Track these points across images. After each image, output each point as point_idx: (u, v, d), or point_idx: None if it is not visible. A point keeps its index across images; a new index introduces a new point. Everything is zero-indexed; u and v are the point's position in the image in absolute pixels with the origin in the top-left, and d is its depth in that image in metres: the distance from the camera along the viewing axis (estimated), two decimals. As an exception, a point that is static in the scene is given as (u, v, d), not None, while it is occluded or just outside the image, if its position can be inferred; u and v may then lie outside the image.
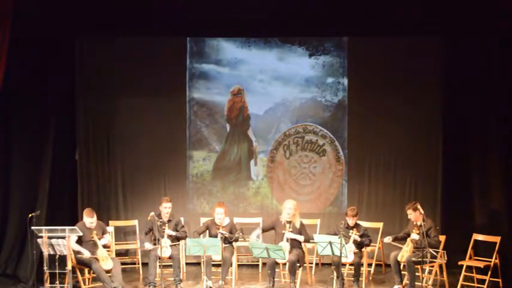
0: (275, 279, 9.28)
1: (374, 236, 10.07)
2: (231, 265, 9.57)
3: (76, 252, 9.05)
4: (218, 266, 9.46)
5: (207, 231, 9.72)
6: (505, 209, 9.98)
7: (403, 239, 9.36)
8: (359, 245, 9.38)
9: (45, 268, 8.69)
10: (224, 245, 9.23)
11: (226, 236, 9.37)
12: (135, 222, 10.67)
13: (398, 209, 10.53)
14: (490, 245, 9.47)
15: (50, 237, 8.55)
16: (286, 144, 11.08)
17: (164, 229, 9.43)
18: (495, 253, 9.33)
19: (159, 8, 10.34)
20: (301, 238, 9.32)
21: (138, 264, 10.46)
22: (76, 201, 10.81)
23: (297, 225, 9.37)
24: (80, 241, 9.07)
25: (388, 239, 9.31)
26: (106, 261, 9.04)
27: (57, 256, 8.62)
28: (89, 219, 9.19)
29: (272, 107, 11.05)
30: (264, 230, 9.54)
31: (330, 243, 8.63)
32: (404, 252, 9.14)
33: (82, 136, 10.89)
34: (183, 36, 10.96)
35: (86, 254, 9.00)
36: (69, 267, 8.71)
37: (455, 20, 10.25)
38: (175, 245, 9.54)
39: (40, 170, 9.98)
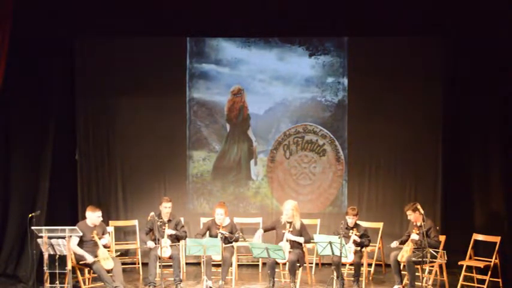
0: (275, 279, 9.28)
1: (374, 236, 10.07)
2: (231, 265, 9.57)
3: (79, 257, 9.03)
4: (218, 266, 9.45)
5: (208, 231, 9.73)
6: (505, 209, 9.97)
7: (407, 241, 9.34)
8: (359, 245, 9.38)
9: (45, 268, 8.66)
10: (224, 246, 9.22)
11: (226, 236, 9.36)
12: (135, 222, 10.67)
13: (398, 209, 10.51)
14: (490, 245, 9.47)
15: (50, 237, 8.53)
16: (286, 144, 11.08)
17: (164, 229, 9.43)
18: (495, 253, 9.33)
19: (159, 8, 10.34)
20: (301, 240, 9.30)
21: (138, 264, 10.45)
22: (76, 201, 10.83)
23: (297, 226, 9.34)
24: (80, 241, 9.05)
25: (395, 244, 9.27)
26: (107, 260, 9.03)
27: (57, 256, 8.60)
28: (96, 213, 9.17)
29: (272, 107, 11.05)
30: (265, 230, 9.54)
31: (330, 243, 8.63)
32: (404, 252, 9.14)
33: (82, 136, 10.90)
34: (183, 36, 10.96)
35: (89, 258, 8.96)
36: (69, 267, 8.70)
37: (455, 20, 10.25)
38: (175, 245, 9.54)
39: (40, 170, 9.97)
